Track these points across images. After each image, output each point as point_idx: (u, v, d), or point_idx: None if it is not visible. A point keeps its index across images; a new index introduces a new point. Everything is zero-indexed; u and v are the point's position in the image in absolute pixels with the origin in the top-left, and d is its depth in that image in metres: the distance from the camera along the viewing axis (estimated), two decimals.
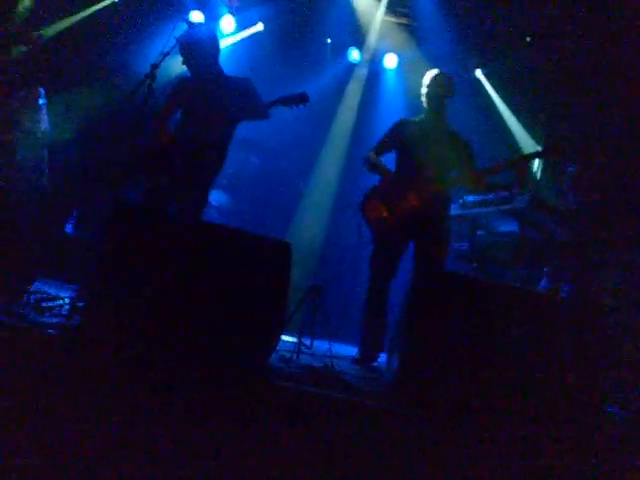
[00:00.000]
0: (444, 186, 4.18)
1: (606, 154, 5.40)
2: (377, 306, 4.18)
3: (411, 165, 4.22)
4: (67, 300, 3.43)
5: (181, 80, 4.23)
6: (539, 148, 4.66)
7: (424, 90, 4.35)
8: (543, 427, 2.81)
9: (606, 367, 3.14)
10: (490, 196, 5.29)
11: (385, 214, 4.17)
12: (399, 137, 4.34)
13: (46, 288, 3.91)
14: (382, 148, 4.42)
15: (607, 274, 4.62)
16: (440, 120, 4.34)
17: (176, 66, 4.24)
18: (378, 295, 4.19)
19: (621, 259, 4.63)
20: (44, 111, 5.14)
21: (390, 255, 4.19)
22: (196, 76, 4.10)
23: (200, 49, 4.01)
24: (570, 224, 4.77)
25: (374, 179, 4.41)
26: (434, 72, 4.37)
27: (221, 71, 4.13)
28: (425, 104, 4.36)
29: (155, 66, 3.53)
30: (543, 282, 4.93)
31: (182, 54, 4.00)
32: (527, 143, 6.97)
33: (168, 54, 3.61)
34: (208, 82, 4.03)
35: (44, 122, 5.14)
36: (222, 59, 4.18)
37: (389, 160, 4.41)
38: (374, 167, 4.34)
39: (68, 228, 5.47)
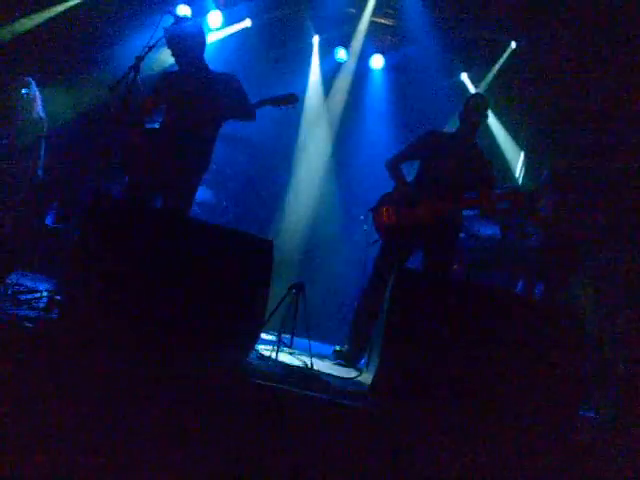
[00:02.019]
0: (458, 206, 4.23)
1: (583, 158, 5.47)
2: (371, 307, 4.13)
3: (430, 179, 4.24)
4: (45, 293, 3.39)
5: (165, 74, 4.20)
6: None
7: (463, 109, 4.30)
8: (518, 430, 2.84)
9: (581, 371, 3.17)
10: None
11: (394, 222, 4.20)
12: (425, 148, 4.34)
13: (24, 281, 3.86)
14: (407, 155, 4.43)
15: (581, 277, 4.68)
16: (469, 140, 4.34)
17: (162, 59, 4.21)
18: (374, 297, 4.14)
19: (595, 263, 4.69)
20: (39, 101, 5.10)
21: (393, 261, 4.18)
22: (182, 69, 4.08)
23: (185, 44, 3.98)
24: (546, 228, 4.81)
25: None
26: (475, 95, 4.43)
27: (206, 67, 4.11)
28: (460, 122, 4.34)
29: (140, 59, 3.50)
30: (520, 285, 4.97)
31: (169, 45, 3.98)
32: (511, 148, 7.05)
33: (154, 47, 3.57)
34: (192, 77, 4.01)
35: (39, 111, 5.10)
36: (209, 55, 4.16)
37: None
38: (393, 175, 4.36)
39: (48, 220, 5.41)
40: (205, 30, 4.20)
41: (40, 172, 5.09)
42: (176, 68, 4.13)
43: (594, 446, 3.07)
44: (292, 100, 3.86)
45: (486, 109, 4.31)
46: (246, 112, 3.91)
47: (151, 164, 3.83)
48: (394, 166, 4.37)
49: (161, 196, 3.95)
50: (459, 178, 4.18)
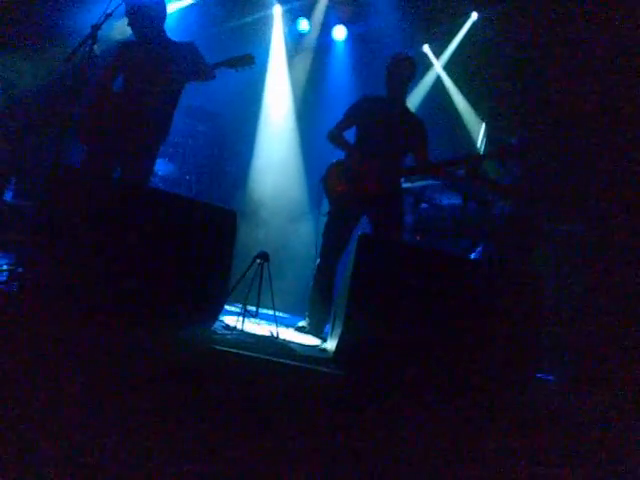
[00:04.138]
0: (399, 172, 4.32)
1: (548, 128, 5.56)
2: (326, 278, 4.26)
3: (369, 143, 4.30)
4: (5, 267, 3.34)
5: (123, 44, 4.12)
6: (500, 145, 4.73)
7: (387, 71, 4.38)
8: (476, 393, 2.92)
9: (539, 334, 3.26)
10: None
11: (344, 188, 4.24)
12: (359, 114, 4.42)
13: None
14: (344, 124, 4.48)
15: (544, 245, 4.79)
16: (400, 101, 4.43)
17: (121, 28, 4.12)
18: (328, 267, 4.27)
19: (558, 232, 4.81)
20: None
21: (344, 229, 4.27)
22: (140, 40, 4.01)
23: (145, 14, 3.91)
24: (513, 197, 4.88)
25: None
26: (397, 55, 4.41)
27: (165, 36, 4.06)
28: (387, 84, 4.40)
29: (97, 27, 3.42)
30: (478, 250, 5.05)
31: (128, 16, 3.90)
32: (471, 119, 7.11)
33: (111, 15, 3.49)
34: (152, 46, 3.95)
35: None
36: (169, 24, 4.10)
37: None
38: (340, 144, 4.42)
39: (7, 196, 5.30)
40: (165, 0, 4.13)
41: None
42: (133, 38, 4.07)
43: (550, 409, 3.17)
44: (249, 61, 3.82)
45: (411, 68, 4.36)
46: (204, 71, 3.87)
47: (109, 133, 3.78)
48: (336, 135, 4.42)
49: (119, 165, 3.91)
50: (394, 140, 4.26)
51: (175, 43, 4.02)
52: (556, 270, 4.75)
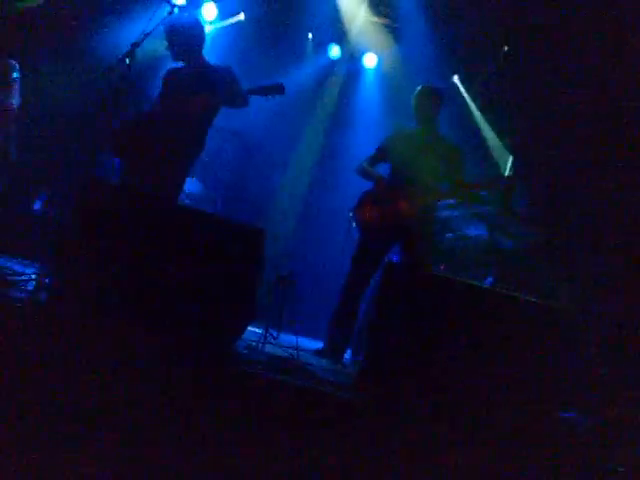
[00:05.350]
0: (433, 197, 4.32)
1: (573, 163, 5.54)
2: (350, 305, 4.23)
3: (404, 175, 4.30)
4: (33, 276, 3.37)
5: (169, 69, 4.23)
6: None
7: (413, 103, 4.41)
8: (499, 429, 2.87)
9: (562, 371, 3.20)
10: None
11: (376, 218, 4.25)
12: (391, 150, 4.44)
13: (11, 265, 3.84)
14: (376, 158, 4.51)
15: (560, 276, 4.74)
16: (432, 131, 4.43)
17: (158, 48, 4.21)
18: (353, 294, 4.24)
19: (574, 261, 4.75)
20: (17, 85, 5.02)
21: (373, 258, 4.26)
22: (178, 61, 4.09)
23: (186, 34, 3.99)
24: (524, 225, 4.86)
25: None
26: (422, 86, 4.44)
27: (204, 59, 4.13)
28: (415, 116, 4.42)
29: (136, 45, 3.50)
30: (489, 280, 5.00)
31: (167, 36, 3.98)
32: (500, 151, 7.09)
33: (150, 34, 3.57)
34: (191, 68, 4.02)
35: (16, 97, 5.01)
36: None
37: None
38: (367, 175, 4.44)
39: (36, 205, 5.37)
40: (203, 23, 4.20)
41: (13, 158, 4.97)
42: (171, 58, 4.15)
43: (573, 447, 3.10)
44: (279, 90, 3.87)
45: (435, 98, 4.39)
46: (239, 99, 3.93)
47: (143, 149, 3.83)
48: (365, 168, 4.44)
49: (150, 181, 3.95)
50: (429, 171, 4.24)
51: (213, 68, 4.08)
52: (579, 301, 4.68)
